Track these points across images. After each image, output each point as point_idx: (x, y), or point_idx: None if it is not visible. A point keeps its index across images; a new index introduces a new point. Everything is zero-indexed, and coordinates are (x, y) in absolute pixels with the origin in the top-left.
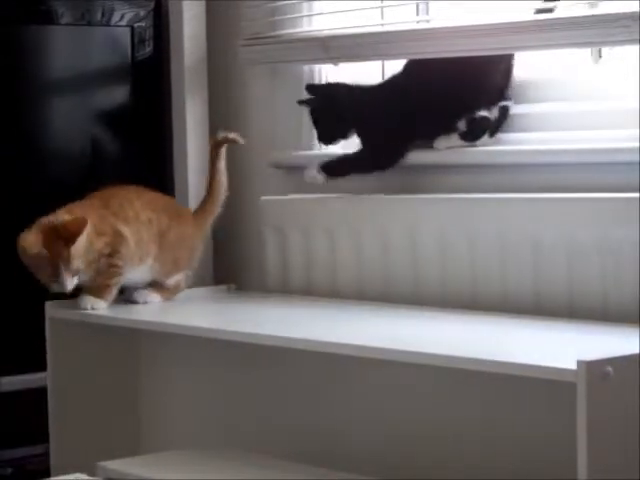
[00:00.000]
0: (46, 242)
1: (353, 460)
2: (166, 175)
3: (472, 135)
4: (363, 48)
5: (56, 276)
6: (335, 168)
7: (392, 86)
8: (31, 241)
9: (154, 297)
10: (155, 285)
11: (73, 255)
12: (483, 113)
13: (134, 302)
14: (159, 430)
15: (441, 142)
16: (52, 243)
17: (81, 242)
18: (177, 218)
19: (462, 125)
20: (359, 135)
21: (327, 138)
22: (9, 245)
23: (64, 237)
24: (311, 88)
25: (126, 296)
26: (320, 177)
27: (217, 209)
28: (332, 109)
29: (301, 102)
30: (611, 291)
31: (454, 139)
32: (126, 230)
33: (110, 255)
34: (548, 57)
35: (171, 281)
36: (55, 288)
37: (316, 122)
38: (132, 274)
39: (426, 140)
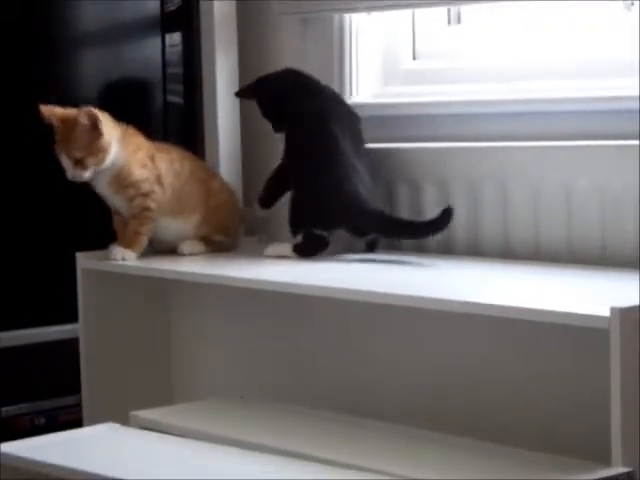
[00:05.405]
0: None
1: (392, 411)
2: (196, 128)
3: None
4: None
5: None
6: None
7: None
8: None
9: (199, 248)
10: (202, 239)
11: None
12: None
13: (180, 253)
14: (191, 379)
15: None
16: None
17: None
18: (222, 184)
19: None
20: None
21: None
22: (41, 196)
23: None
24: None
25: (167, 247)
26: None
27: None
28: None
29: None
30: None
31: None
32: (163, 171)
33: (145, 195)
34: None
35: (218, 237)
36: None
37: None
38: (173, 224)
39: None
